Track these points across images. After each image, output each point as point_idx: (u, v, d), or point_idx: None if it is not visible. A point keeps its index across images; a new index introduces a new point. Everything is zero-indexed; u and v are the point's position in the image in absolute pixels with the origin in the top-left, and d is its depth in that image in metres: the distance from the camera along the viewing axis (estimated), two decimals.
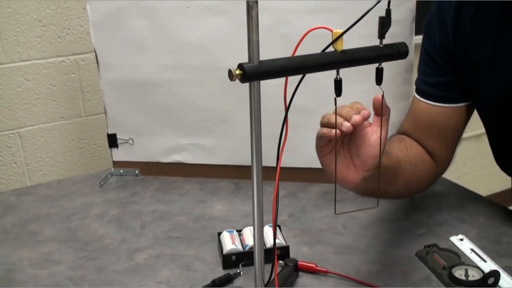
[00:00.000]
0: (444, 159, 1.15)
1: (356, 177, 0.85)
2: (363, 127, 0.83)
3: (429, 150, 1.13)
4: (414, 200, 1.27)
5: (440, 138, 1.12)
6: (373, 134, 0.82)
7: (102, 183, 1.45)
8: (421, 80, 1.14)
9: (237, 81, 0.67)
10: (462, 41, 1.04)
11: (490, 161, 1.17)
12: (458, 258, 1.01)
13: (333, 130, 0.79)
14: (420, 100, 1.13)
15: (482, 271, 0.94)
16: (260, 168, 0.75)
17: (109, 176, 1.49)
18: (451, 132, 1.13)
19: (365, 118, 0.79)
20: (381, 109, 0.81)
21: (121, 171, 1.50)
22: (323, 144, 0.83)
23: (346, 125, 0.78)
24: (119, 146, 1.48)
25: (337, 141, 0.82)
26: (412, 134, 1.14)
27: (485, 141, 1.16)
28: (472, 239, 1.08)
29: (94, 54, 1.40)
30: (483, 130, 1.14)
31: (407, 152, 1.07)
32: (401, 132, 1.16)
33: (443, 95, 1.10)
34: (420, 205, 1.25)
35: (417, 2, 1.25)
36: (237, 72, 0.67)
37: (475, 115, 1.13)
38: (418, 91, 1.14)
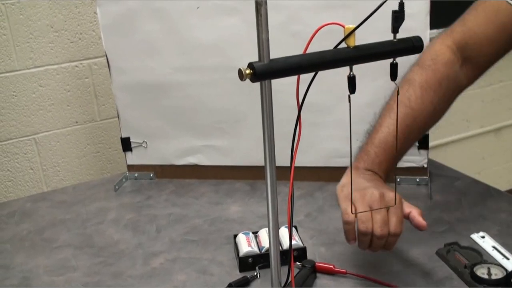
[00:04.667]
0: (470, 78, 1.09)
1: None
2: None
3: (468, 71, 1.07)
4: (433, 197, 1.25)
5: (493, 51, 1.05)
6: None
7: (117, 187, 1.44)
8: None
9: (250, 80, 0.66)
10: None
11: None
12: (480, 256, 0.99)
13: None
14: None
15: (505, 269, 0.92)
16: (274, 168, 0.74)
17: (123, 180, 1.48)
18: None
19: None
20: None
21: (135, 175, 1.50)
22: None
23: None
24: (133, 149, 1.48)
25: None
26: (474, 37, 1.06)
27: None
28: (493, 236, 1.06)
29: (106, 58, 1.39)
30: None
31: (417, 104, 1.02)
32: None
33: None
34: (439, 202, 1.23)
35: None
36: (247, 71, 0.65)
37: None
38: None
